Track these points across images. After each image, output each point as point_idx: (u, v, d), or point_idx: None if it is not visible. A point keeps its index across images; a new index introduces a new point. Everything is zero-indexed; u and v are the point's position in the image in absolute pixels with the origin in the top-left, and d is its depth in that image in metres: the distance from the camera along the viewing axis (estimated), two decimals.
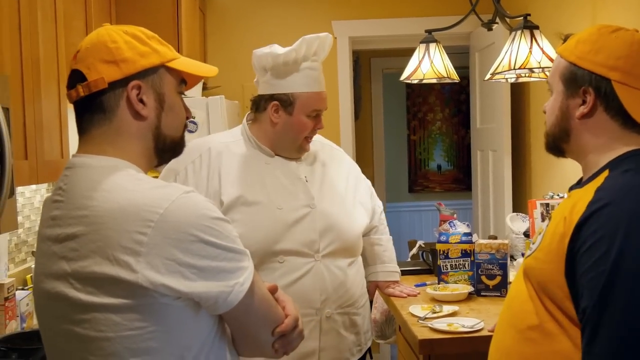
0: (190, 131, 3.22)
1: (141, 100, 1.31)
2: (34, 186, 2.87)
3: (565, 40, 1.51)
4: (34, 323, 2.45)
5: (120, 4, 3.05)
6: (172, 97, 1.37)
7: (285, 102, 2.24)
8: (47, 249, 1.28)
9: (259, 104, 2.29)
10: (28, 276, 2.77)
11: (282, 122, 2.25)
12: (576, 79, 1.44)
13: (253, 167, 2.26)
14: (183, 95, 1.42)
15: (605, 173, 1.40)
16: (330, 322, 2.24)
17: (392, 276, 2.54)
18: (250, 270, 1.26)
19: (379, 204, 2.57)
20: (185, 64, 1.39)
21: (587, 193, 1.37)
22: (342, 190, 2.37)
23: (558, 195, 2.96)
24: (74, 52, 1.35)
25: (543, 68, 2.60)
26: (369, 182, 2.56)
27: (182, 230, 1.18)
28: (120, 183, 1.24)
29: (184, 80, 1.40)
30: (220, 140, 2.32)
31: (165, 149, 1.38)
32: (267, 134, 2.29)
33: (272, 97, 2.25)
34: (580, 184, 1.49)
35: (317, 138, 2.43)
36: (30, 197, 2.90)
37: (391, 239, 2.58)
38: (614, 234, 1.27)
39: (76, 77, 1.31)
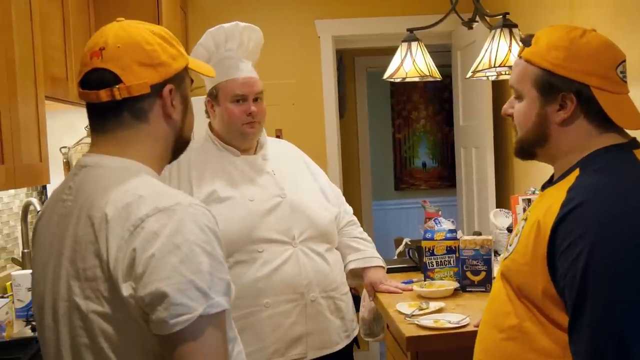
0: None
1: (171, 103, 1.32)
2: (12, 191, 2.83)
3: (525, 41, 1.50)
4: (14, 332, 2.38)
5: (98, 3, 3.02)
6: (190, 98, 1.39)
7: (212, 95, 2.37)
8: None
9: (205, 106, 2.41)
10: (7, 284, 2.72)
11: (217, 114, 2.37)
12: (553, 86, 1.44)
13: (221, 166, 2.35)
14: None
15: (576, 172, 1.42)
16: (316, 306, 2.30)
17: (372, 262, 2.57)
18: None
19: (348, 209, 2.63)
20: (198, 65, 1.42)
21: (560, 193, 1.39)
22: (306, 181, 2.46)
23: (539, 190, 2.99)
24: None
25: None
26: (332, 185, 2.62)
27: None
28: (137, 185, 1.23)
29: (192, 80, 1.42)
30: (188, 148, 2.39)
31: (179, 149, 1.40)
32: (218, 130, 2.40)
33: (207, 96, 2.39)
34: (551, 182, 1.52)
35: (275, 139, 2.60)
36: (9, 202, 2.86)
37: (365, 233, 2.64)
38: (587, 234, 1.29)
39: (105, 77, 1.27)
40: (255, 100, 2.35)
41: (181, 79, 1.34)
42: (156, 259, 1.13)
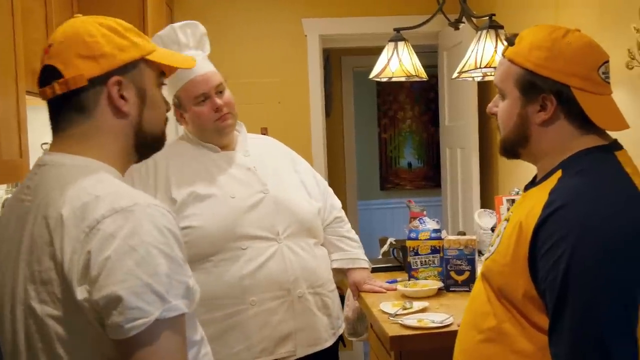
0: None
1: (122, 97, 1.27)
2: None
3: (509, 41, 1.51)
4: None
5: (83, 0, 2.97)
6: (153, 91, 1.32)
7: (176, 104, 2.34)
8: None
9: (175, 117, 2.39)
10: None
11: (188, 120, 2.35)
12: (535, 86, 1.44)
13: (201, 164, 2.32)
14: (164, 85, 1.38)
15: (558, 174, 1.43)
16: (303, 302, 2.28)
17: (356, 263, 2.57)
18: None
19: (336, 204, 2.61)
20: (164, 56, 1.35)
21: (542, 194, 1.39)
22: (289, 176, 2.44)
23: (523, 191, 3.01)
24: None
25: None
26: (318, 175, 2.61)
27: None
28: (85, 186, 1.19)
29: (163, 73, 1.36)
30: (164, 148, 2.36)
31: (145, 146, 1.35)
32: (194, 133, 2.37)
33: (173, 106, 2.34)
34: (534, 183, 1.52)
35: (256, 135, 2.57)
36: None
37: (353, 231, 2.63)
38: (568, 236, 1.29)
39: (50, 73, 1.25)
40: (219, 93, 2.31)
41: (135, 71, 1.28)
42: (112, 261, 1.09)
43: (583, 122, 1.43)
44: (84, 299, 1.11)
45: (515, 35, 1.50)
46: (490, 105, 1.57)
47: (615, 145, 1.46)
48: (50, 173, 1.24)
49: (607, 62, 1.46)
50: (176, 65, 1.37)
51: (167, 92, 2.33)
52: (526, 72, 1.45)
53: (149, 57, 1.30)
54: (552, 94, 1.43)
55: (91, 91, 1.25)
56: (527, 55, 1.45)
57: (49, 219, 1.17)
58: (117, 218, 1.12)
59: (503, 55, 1.52)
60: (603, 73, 1.44)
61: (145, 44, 1.31)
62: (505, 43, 1.54)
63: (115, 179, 1.25)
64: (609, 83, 1.46)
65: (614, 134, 1.49)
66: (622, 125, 1.47)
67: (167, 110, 1.40)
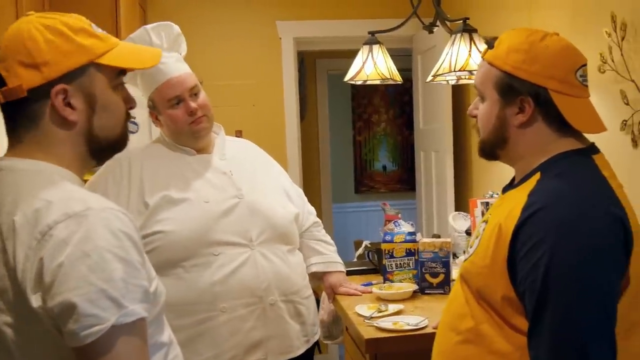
0: (131, 132, 3.17)
1: (69, 104, 1.20)
2: None
3: (489, 44, 1.52)
4: None
5: (54, 1, 2.92)
6: (105, 95, 1.25)
7: (151, 106, 2.31)
8: None
9: (150, 119, 2.37)
10: None
11: (163, 123, 2.31)
12: (513, 89, 1.45)
13: (176, 167, 2.28)
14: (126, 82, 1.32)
15: (537, 176, 1.44)
16: (275, 310, 2.24)
17: (333, 266, 2.57)
18: None
19: (311, 209, 2.61)
20: (118, 57, 1.26)
21: (521, 197, 1.40)
22: (266, 180, 2.41)
23: (497, 194, 3.03)
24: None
25: None
26: (294, 184, 2.60)
27: None
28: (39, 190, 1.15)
29: (122, 71, 1.28)
30: (140, 150, 2.35)
31: (101, 150, 1.29)
32: (170, 136, 2.34)
33: (148, 109, 2.33)
34: (512, 185, 1.53)
35: (234, 138, 2.55)
36: None
37: (328, 235, 2.63)
38: (547, 239, 1.30)
39: (0, 79, 1.20)
40: (194, 95, 2.28)
41: (83, 77, 1.22)
42: (65, 268, 1.06)
43: (561, 125, 1.45)
44: (39, 307, 1.08)
45: (495, 38, 1.52)
46: (470, 107, 1.58)
47: (593, 149, 1.48)
48: (4, 179, 1.20)
49: (585, 65, 1.47)
50: (134, 67, 1.32)
51: (142, 93, 2.31)
52: (504, 74, 1.46)
53: (100, 61, 1.23)
54: (530, 96, 1.44)
55: (34, 101, 1.19)
56: (505, 58, 1.46)
57: (1, 226, 1.14)
58: (70, 223, 1.10)
59: (482, 58, 1.54)
60: (581, 76, 1.45)
61: (96, 45, 1.23)
62: (483, 46, 1.55)
63: (69, 184, 1.20)
64: (586, 86, 1.47)
65: (590, 138, 1.50)
66: (600, 127, 1.49)
67: (131, 108, 1.33)
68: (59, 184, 1.18)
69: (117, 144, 1.31)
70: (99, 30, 1.27)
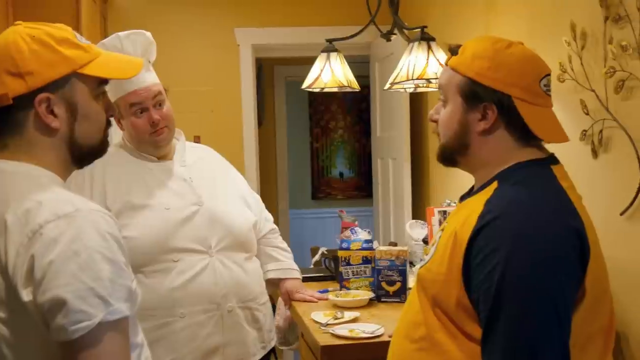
0: None
1: (52, 112, 1.26)
2: None
3: (453, 51, 1.53)
4: None
5: (18, 5, 2.90)
6: (87, 105, 1.31)
7: (116, 111, 2.30)
8: None
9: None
10: None
11: (125, 128, 2.33)
12: (476, 95, 1.46)
13: (137, 173, 2.29)
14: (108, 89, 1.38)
15: (495, 185, 1.45)
16: (233, 316, 2.27)
17: (290, 273, 2.58)
18: None
19: (269, 217, 2.62)
20: (100, 67, 1.32)
21: (478, 205, 1.41)
22: (226, 187, 2.43)
23: (455, 202, 3.05)
24: None
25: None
26: (252, 191, 2.61)
27: None
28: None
29: (104, 81, 1.34)
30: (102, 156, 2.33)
31: (82, 156, 1.35)
32: (131, 142, 2.34)
33: None
34: (470, 193, 1.54)
35: (195, 144, 2.57)
36: None
37: (285, 242, 2.64)
38: (502, 247, 1.31)
39: None
40: (158, 105, 2.28)
41: (66, 87, 1.27)
42: (55, 265, 1.12)
43: (523, 134, 1.46)
44: (29, 301, 1.13)
45: (459, 46, 1.52)
46: (431, 112, 1.58)
47: (552, 159, 1.50)
48: None
49: (549, 75, 1.49)
50: (115, 77, 1.38)
51: (109, 95, 2.29)
52: (469, 80, 1.47)
53: (82, 71, 1.29)
54: (494, 103, 1.45)
55: (19, 108, 1.25)
56: (470, 64, 1.47)
57: None
58: (60, 223, 1.15)
59: (446, 64, 1.54)
60: (545, 85, 1.47)
61: (79, 56, 1.29)
62: (441, 54, 1.56)
63: (56, 186, 1.26)
64: (550, 96, 1.49)
65: (550, 148, 1.52)
66: (563, 137, 1.50)
67: (112, 115, 1.41)
68: (48, 186, 1.24)
69: (98, 150, 1.37)
70: (82, 40, 1.32)
